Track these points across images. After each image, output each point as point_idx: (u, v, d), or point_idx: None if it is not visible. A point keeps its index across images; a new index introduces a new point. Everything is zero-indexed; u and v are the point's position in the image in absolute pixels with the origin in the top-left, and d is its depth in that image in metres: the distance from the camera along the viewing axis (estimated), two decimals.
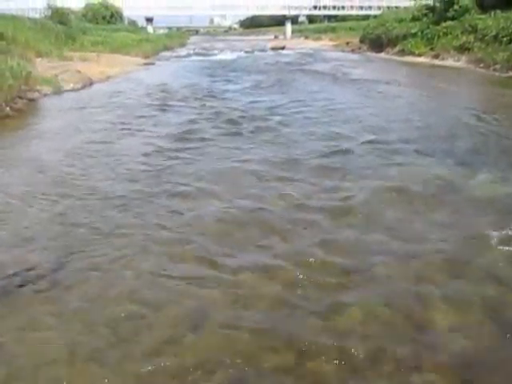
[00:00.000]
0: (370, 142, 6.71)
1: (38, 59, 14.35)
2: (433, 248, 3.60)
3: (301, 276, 3.20)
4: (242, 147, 6.59)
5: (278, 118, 8.63)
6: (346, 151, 6.27)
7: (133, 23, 52.55)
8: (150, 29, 54.76)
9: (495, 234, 3.71)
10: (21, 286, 3.16)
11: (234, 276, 3.24)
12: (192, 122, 8.41)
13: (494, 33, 18.23)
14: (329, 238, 3.77)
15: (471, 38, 19.65)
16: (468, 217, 4.15)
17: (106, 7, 42.49)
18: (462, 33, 20.48)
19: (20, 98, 9.87)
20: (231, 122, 8.29)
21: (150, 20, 56.68)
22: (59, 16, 24.92)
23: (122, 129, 7.96)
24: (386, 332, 2.67)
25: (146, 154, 6.26)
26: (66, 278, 3.26)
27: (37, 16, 24.75)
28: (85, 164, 5.90)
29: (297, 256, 3.47)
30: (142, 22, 56.37)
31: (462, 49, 19.85)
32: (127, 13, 48.37)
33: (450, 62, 19.88)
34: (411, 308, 2.89)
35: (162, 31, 61.30)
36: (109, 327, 2.77)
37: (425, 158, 5.89)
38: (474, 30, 19.93)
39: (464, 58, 19.37)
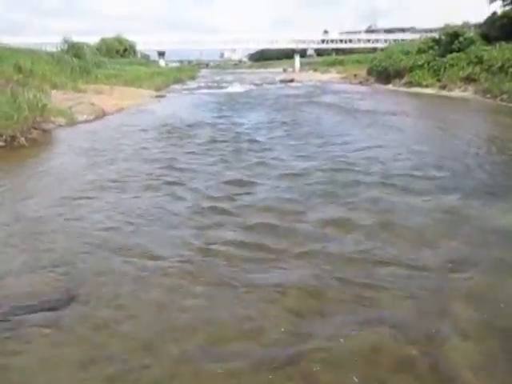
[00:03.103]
0: (384, 174, 6.74)
1: (54, 91, 14.75)
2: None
3: None
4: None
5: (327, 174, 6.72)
6: (359, 182, 6.27)
7: (145, 57, 54.08)
8: (161, 62, 56.39)
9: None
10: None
11: None
12: (225, 186, 6.16)
13: (499, 64, 18.56)
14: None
15: (477, 68, 20.00)
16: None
17: (120, 42, 44.04)
18: (468, 64, 20.87)
19: (35, 128, 10.12)
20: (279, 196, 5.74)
21: (162, 54, 58.50)
22: (75, 50, 25.76)
23: (127, 176, 6.75)
24: None
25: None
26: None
27: (54, 50, 25.58)
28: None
29: None
30: (154, 56, 58.10)
31: (469, 79, 20.18)
32: (140, 47, 50.01)
33: (456, 93, 20.14)
34: None
35: (173, 64, 63.07)
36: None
37: (438, 189, 5.86)
38: (479, 61, 20.30)
39: (471, 88, 19.65)
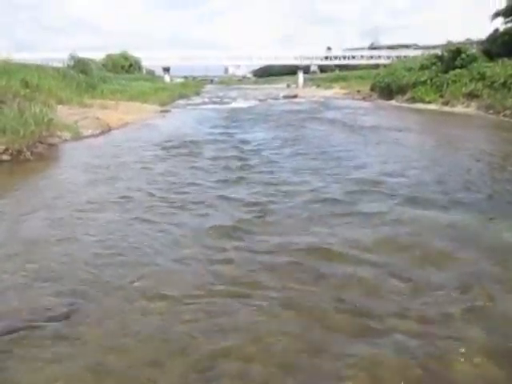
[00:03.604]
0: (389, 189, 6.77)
1: (60, 106, 14.90)
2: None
3: None
4: None
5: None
6: (376, 201, 6.26)
7: (151, 72, 54.71)
8: (166, 78, 56.97)
9: None
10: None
11: None
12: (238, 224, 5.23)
13: (502, 80, 18.70)
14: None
15: (480, 85, 20.14)
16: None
17: (126, 58, 44.65)
18: (471, 80, 21.02)
19: (40, 142, 10.22)
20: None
21: (166, 69, 59.10)
22: (81, 66, 26.09)
23: (130, 196, 6.47)
24: None
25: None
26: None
27: (60, 65, 25.89)
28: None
29: None
30: (159, 72, 58.75)
31: (471, 95, 20.30)
32: (145, 63, 50.66)
33: (459, 109, 20.23)
34: None
35: (178, 80, 63.63)
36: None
37: (441, 205, 5.86)
38: (482, 77, 20.45)
39: (473, 104, 19.75)
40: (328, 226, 5.10)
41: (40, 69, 20.08)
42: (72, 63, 26.75)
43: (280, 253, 4.39)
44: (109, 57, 42.92)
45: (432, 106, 22.11)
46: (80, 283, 3.84)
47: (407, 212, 5.55)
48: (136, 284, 3.84)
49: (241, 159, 9.32)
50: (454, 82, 22.06)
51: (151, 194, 6.57)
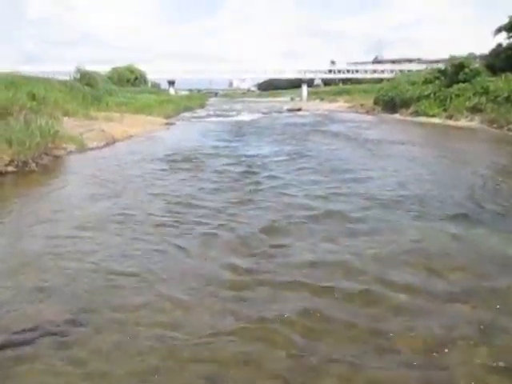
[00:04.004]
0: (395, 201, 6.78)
1: (65, 118, 15.03)
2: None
3: None
4: None
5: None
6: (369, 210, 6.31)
7: (156, 85, 55.26)
8: (171, 91, 57.54)
9: None
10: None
11: None
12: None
13: (505, 94, 18.77)
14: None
15: (483, 99, 20.23)
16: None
17: (132, 71, 45.22)
18: (474, 94, 21.12)
19: (46, 154, 10.29)
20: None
21: (171, 83, 59.74)
22: (87, 79, 26.39)
23: (133, 212, 6.27)
24: None
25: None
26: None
27: (67, 78, 26.16)
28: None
29: None
30: (164, 85, 59.41)
31: (475, 109, 20.38)
32: (151, 76, 51.24)
33: (463, 123, 20.27)
34: None
35: (183, 93, 64.17)
36: None
37: (444, 217, 5.86)
38: (485, 91, 20.55)
39: (477, 118, 19.81)
40: (344, 244, 4.96)
41: (47, 82, 20.32)
42: (78, 76, 27.05)
43: (299, 273, 4.22)
44: (115, 70, 43.47)
45: (436, 120, 22.17)
46: (77, 302, 3.73)
47: (421, 228, 5.50)
48: (135, 313, 3.56)
49: (246, 175, 9.03)
50: (458, 96, 22.17)
51: (153, 210, 6.42)
